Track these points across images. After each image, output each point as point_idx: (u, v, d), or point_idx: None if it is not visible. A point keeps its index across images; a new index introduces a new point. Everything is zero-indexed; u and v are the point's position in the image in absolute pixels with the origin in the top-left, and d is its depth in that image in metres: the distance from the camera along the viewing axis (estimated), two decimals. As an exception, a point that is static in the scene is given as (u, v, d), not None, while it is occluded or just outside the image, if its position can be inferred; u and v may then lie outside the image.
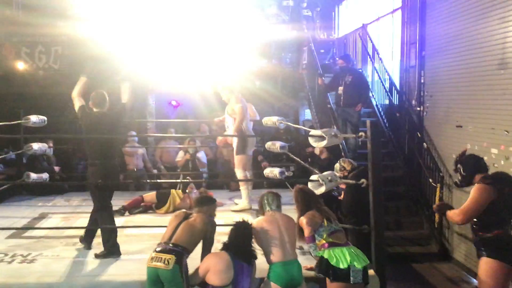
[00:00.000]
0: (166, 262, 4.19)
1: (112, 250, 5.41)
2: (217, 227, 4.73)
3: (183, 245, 4.34)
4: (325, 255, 4.35)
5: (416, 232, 8.53)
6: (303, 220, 4.53)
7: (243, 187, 7.41)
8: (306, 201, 4.66)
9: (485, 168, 4.54)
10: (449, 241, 8.16)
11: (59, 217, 7.24)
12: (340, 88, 9.06)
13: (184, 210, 5.07)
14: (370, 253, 4.93)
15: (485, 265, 4.30)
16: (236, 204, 7.56)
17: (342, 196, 6.42)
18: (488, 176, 4.44)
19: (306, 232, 4.46)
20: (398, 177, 9.28)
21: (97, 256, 5.37)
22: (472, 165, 4.51)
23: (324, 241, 4.43)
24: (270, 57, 11.69)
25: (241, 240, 4.34)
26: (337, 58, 11.64)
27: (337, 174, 5.98)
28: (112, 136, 5.67)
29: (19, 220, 6.96)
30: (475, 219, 4.37)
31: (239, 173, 7.41)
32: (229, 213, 7.15)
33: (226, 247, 4.35)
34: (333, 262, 4.28)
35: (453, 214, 4.44)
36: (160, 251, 4.29)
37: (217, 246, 4.59)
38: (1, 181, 8.45)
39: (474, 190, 4.35)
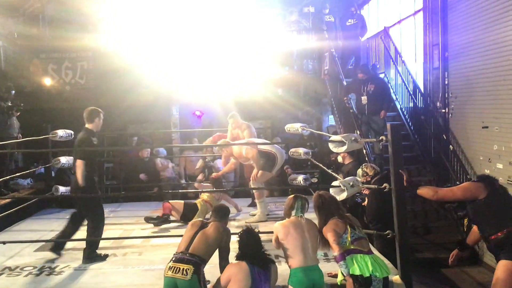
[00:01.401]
0: (184, 272, 4.22)
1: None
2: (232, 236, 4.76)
3: (199, 255, 4.36)
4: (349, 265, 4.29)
5: (445, 236, 8.36)
6: (329, 237, 4.35)
7: (259, 200, 7.41)
8: (326, 207, 4.57)
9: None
10: (479, 245, 7.96)
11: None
12: (364, 98, 9.08)
13: (200, 219, 5.08)
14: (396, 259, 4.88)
15: (503, 267, 4.21)
16: (253, 215, 7.56)
17: (366, 202, 6.36)
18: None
19: (336, 250, 4.27)
20: (425, 181, 9.12)
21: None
22: None
23: (352, 247, 4.35)
24: (291, 65, 11.68)
25: (250, 247, 4.34)
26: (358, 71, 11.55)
27: (360, 180, 5.95)
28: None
29: (47, 233, 7.09)
30: (482, 224, 4.34)
31: (255, 186, 7.41)
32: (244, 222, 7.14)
33: (240, 256, 4.35)
34: (356, 272, 4.20)
35: (428, 189, 4.60)
36: (178, 261, 4.32)
37: (232, 254, 4.60)
38: (31, 195, 8.68)
39: (465, 183, 4.61)
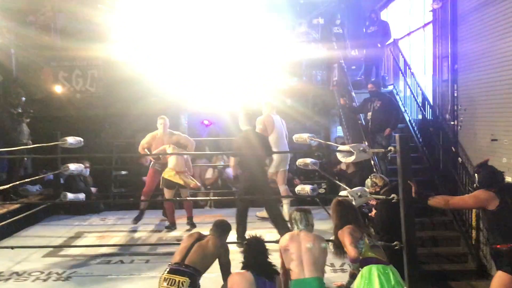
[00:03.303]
0: (180, 285, 4.13)
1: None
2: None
3: (195, 266, 4.28)
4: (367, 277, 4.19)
5: (453, 248, 8.31)
6: (346, 240, 4.28)
7: (285, 202, 7.65)
8: (344, 214, 4.53)
9: (499, 183, 4.54)
10: (487, 258, 7.90)
11: (94, 236, 7.39)
12: (369, 114, 8.93)
13: (198, 231, 5.00)
14: (403, 271, 4.84)
15: (497, 278, 4.26)
16: (259, 217, 7.79)
17: (373, 212, 6.34)
18: (496, 185, 4.53)
19: (352, 252, 4.18)
20: (433, 194, 9.05)
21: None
22: (486, 180, 4.62)
23: (370, 254, 4.28)
24: (300, 75, 11.71)
25: (256, 256, 4.28)
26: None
27: (368, 190, 5.95)
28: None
29: (55, 239, 7.15)
30: (490, 232, 4.39)
31: (283, 189, 7.62)
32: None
33: (246, 266, 4.29)
34: None
35: (439, 199, 4.72)
36: (173, 272, 4.22)
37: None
38: (39, 201, 8.73)
39: (476, 191, 4.56)
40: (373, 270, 4.20)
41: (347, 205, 4.64)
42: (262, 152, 6.68)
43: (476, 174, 4.78)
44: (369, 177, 6.39)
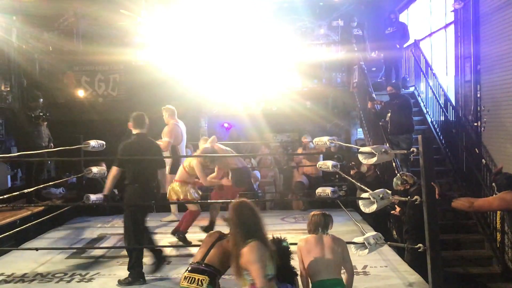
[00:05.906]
0: (199, 283, 4.12)
1: (135, 277, 5.39)
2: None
3: (215, 265, 4.25)
4: None
5: (477, 251, 8.19)
6: (255, 269, 3.70)
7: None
8: (244, 222, 3.90)
9: None
10: (513, 261, 7.79)
11: (117, 237, 7.45)
12: (388, 115, 8.91)
13: (219, 230, 4.97)
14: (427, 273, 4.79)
15: None
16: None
17: (397, 210, 6.33)
18: None
19: (260, 284, 3.67)
20: (457, 195, 8.94)
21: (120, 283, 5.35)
22: (505, 185, 4.63)
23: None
24: (320, 77, 11.70)
25: (279, 258, 4.12)
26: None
27: (398, 188, 5.98)
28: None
29: (78, 241, 7.24)
30: None
31: None
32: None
33: None
34: None
35: (463, 201, 4.71)
36: (193, 271, 4.22)
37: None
38: (63, 203, 8.85)
39: (501, 193, 4.56)
40: None
41: (247, 208, 4.00)
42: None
43: (493, 183, 4.78)
44: (399, 174, 6.37)
